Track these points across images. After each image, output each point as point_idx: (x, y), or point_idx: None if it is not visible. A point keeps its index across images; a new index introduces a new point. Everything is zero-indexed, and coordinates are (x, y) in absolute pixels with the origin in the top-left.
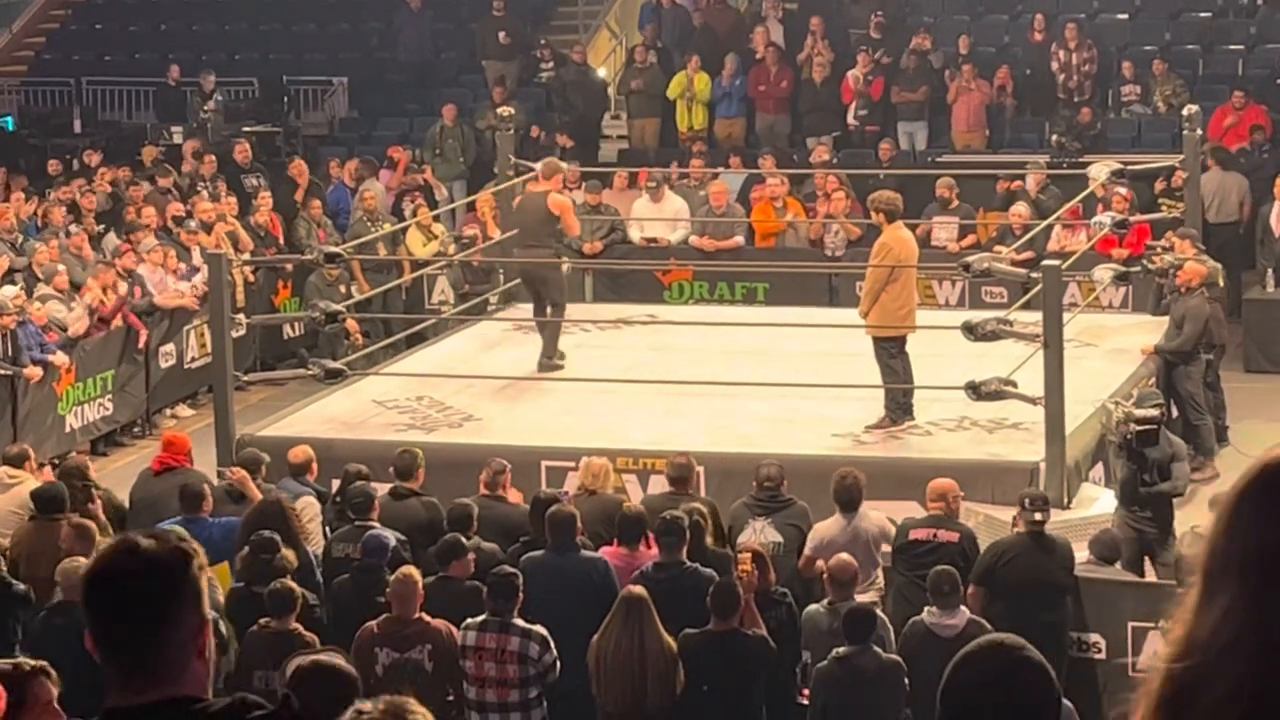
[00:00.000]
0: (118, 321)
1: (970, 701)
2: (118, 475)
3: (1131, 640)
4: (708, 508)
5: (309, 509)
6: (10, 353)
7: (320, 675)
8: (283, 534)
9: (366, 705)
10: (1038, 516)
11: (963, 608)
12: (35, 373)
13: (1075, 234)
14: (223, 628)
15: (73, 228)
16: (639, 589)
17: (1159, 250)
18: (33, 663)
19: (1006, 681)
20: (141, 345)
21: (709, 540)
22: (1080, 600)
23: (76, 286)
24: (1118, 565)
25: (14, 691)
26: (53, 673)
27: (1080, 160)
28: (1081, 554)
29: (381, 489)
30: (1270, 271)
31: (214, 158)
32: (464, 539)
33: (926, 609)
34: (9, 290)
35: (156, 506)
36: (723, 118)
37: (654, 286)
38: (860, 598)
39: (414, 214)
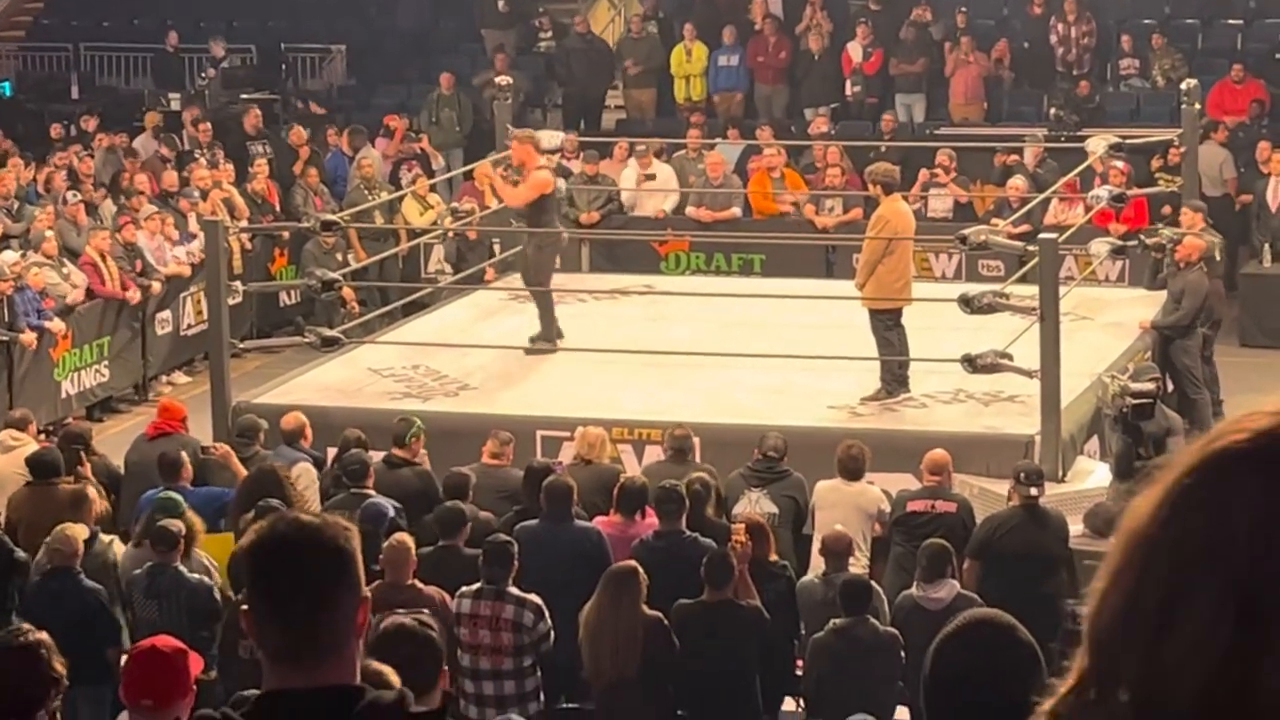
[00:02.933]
0: (113, 291)
1: (957, 677)
2: (113, 442)
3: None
4: (708, 476)
5: (305, 475)
6: (7, 319)
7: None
8: (281, 502)
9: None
10: (1033, 491)
11: (952, 581)
12: (30, 339)
13: (1072, 207)
14: (217, 595)
15: (70, 194)
16: (628, 564)
17: (1163, 227)
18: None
19: (993, 659)
20: (136, 302)
21: (709, 510)
22: (1075, 572)
23: (73, 253)
24: (1112, 539)
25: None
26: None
27: (1078, 134)
28: (1076, 527)
29: (376, 457)
30: (1267, 246)
31: (209, 125)
32: (465, 508)
33: (916, 582)
34: (9, 256)
35: (149, 471)
36: (721, 89)
37: (650, 257)
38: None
39: (412, 183)
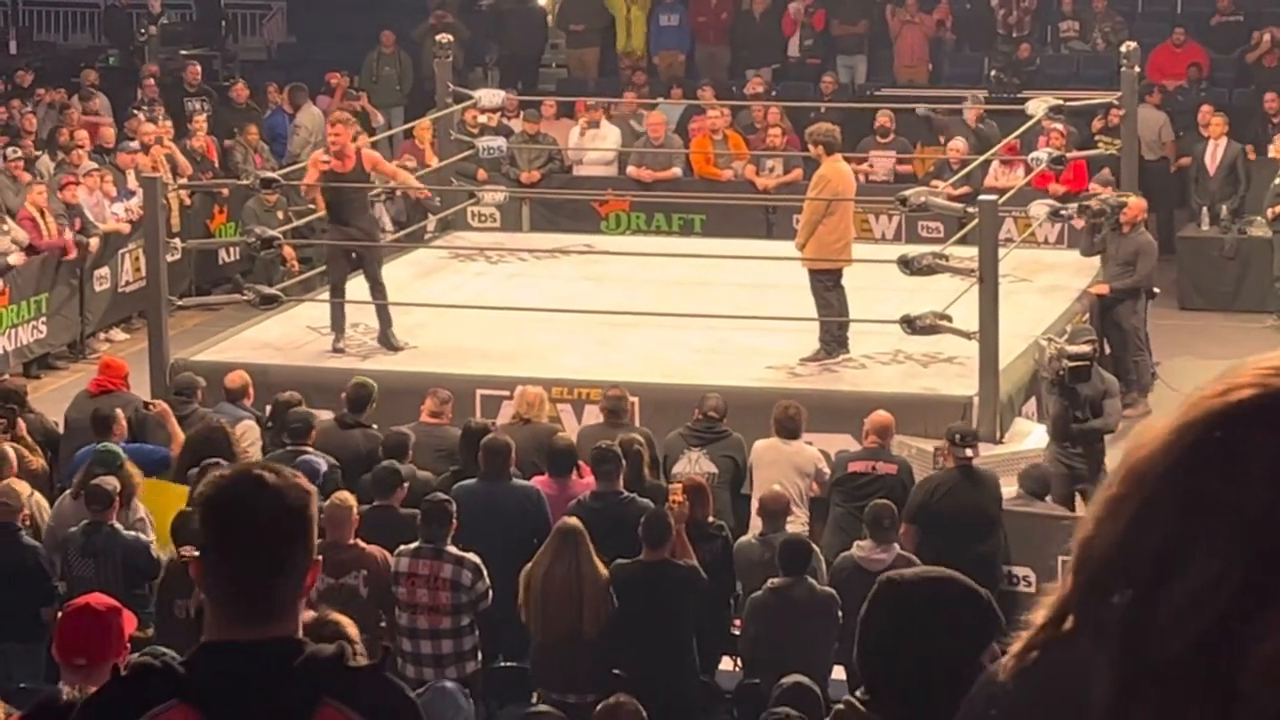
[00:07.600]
0: (52, 243)
1: (889, 630)
2: (50, 398)
3: (1060, 574)
4: (644, 438)
5: (249, 433)
6: None
7: None
8: (227, 459)
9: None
10: (967, 452)
11: (894, 544)
12: None
13: (1013, 170)
14: (154, 553)
15: (9, 151)
16: (573, 520)
17: (1099, 198)
18: None
19: (926, 613)
20: (73, 258)
21: (646, 471)
22: (1006, 533)
23: (10, 212)
24: (1048, 500)
25: None
26: None
27: (1018, 96)
28: (1011, 488)
29: (322, 415)
30: (1205, 210)
31: (154, 79)
32: (400, 468)
33: (856, 543)
34: None
35: (90, 429)
36: (662, 49)
37: (591, 217)
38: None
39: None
